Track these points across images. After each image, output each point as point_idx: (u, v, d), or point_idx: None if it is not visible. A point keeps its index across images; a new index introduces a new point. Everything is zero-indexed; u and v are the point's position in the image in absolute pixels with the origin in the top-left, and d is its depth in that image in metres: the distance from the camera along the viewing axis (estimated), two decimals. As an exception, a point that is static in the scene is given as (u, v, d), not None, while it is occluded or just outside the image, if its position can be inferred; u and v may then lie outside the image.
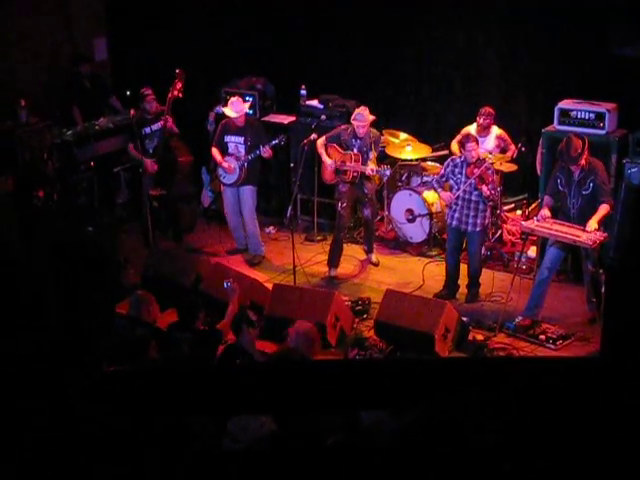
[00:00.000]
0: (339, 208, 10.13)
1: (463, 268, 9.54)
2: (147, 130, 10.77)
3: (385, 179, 10.47)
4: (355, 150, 9.92)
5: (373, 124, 10.06)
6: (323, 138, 10.16)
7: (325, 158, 10.08)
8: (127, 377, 1.88)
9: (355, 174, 9.92)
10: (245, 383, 1.86)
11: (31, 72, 12.08)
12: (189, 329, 7.26)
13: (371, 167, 9.82)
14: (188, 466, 1.88)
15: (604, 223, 8.54)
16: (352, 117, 10.00)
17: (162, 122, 10.60)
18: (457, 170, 9.25)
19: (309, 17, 11.86)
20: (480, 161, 9.16)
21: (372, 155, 9.96)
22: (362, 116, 9.82)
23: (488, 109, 10.44)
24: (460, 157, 9.35)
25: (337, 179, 10.10)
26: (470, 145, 9.11)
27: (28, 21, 12.05)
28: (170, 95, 10.58)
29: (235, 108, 10.28)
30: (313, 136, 10.22)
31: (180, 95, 10.59)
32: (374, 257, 10.47)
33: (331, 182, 10.25)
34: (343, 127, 10.17)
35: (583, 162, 8.52)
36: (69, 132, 11.48)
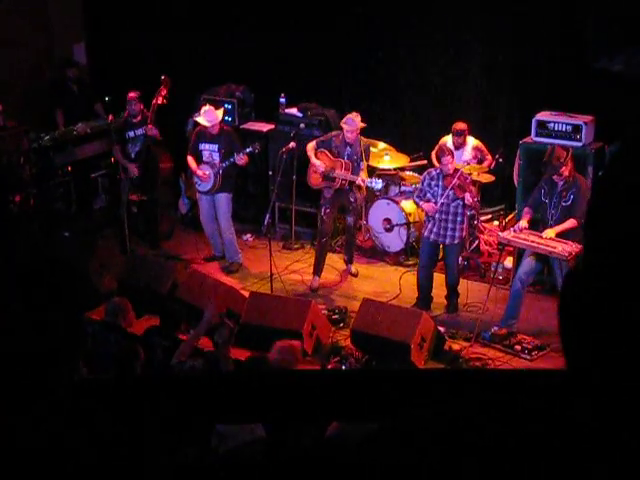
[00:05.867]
0: (322, 213, 10.06)
1: (436, 279, 9.56)
2: (131, 134, 10.74)
3: (376, 191, 10.39)
4: (345, 158, 9.83)
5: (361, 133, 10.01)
6: (314, 142, 10.05)
7: (314, 160, 9.91)
8: (103, 385, 1.87)
9: (344, 182, 9.84)
10: (222, 391, 1.85)
11: (9, 76, 12.02)
12: (169, 337, 7.25)
13: (362, 177, 9.72)
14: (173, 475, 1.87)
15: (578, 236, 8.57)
16: (342, 121, 9.89)
17: (145, 129, 10.59)
18: (434, 183, 9.25)
19: (290, 25, 11.87)
20: (456, 171, 9.19)
21: (363, 165, 9.84)
22: (352, 121, 9.72)
23: (459, 126, 10.39)
24: (436, 169, 9.37)
25: (324, 184, 10.01)
26: (445, 159, 9.12)
27: (7, 26, 12.00)
28: (154, 101, 10.58)
29: (208, 117, 10.24)
30: (292, 144, 10.22)
31: (165, 102, 10.59)
32: (353, 268, 10.43)
33: (317, 187, 10.14)
34: (334, 134, 10.05)
35: (566, 173, 8.55)
36: (46, 137, 11.42)
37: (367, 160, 9.98)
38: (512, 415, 1.29)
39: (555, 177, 8.60)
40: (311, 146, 10.03)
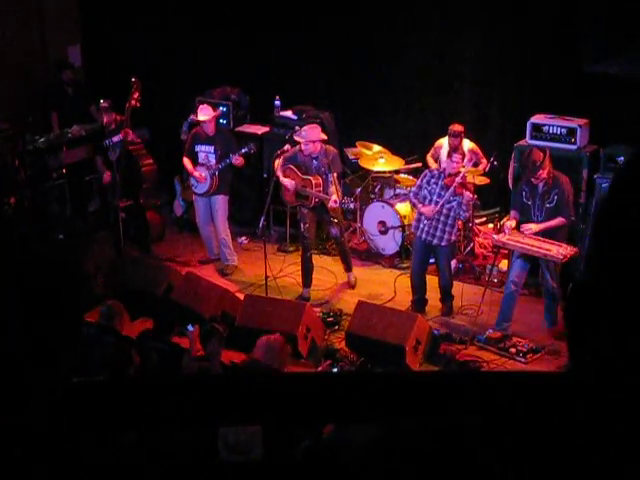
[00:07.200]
0: (302, 229, 9.92)
1: (431, 282, 9.55)
2: (108, 142, 10.63)
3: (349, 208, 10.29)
4: (313, 171, 9.68)
5: (334, 140, 9.89)
6: (280, 160, 9.85)
7: (283, 180, 9.76)
8: (99, 388, 1.87)
9: (317, 200, 9.72)
10: (218, 394, 1.85)
11: (4, 78, 12.00)
12: (163, 340, 7.26)
13: (334, 198, 9.51)
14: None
15: (574, 238, 8.58)
16: (296, 133, 9.81)
17: (122, 134, 10.51)
18: (433, 181, 9.20)
19: (285, 28, 11.88)
20: (458, 173, 9.15)
21: (331, 177, 9.69)
22: (305, 133, 9.62)
23: (456, 128, 10.31)
24: (438, 169, 9.34)
25: (298, 203, 9.89)
26: (457, 156, 9.11)
27: (1, 28, 11.98)
28: (128, 105, 10.48)
29: (204, 112, 10.31)
30: (286, 147, 10.21)
31: (138, 104, 10.52)
32: (352, 277, 10.22)
33: (293, 204, 10.09)
34: (298, 148, 9.85)
35: (544, 175, 8.49)
36: (41, 139, 11.40)
37: (338, 168, 9.87)
38: (507, 416, 1.30)
39: (533, 180, 8.57)
40: (278, 164, 9.83)
